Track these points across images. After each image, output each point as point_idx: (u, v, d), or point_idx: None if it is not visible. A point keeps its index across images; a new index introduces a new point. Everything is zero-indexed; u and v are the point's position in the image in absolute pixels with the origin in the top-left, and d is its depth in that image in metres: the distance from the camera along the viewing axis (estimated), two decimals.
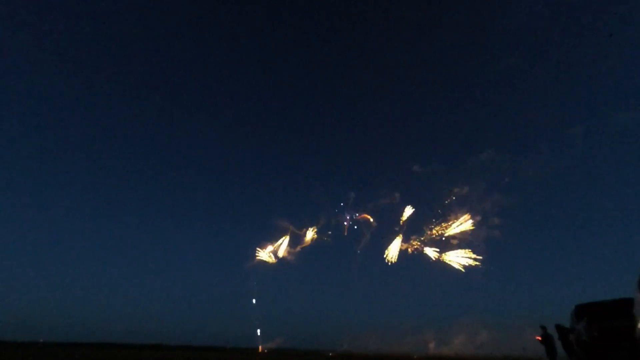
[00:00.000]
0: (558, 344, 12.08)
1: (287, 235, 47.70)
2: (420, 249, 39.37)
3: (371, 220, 45.67)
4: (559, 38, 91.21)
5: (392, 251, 40.67)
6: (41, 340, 72.73)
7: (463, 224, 37.58)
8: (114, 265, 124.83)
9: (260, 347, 56.64)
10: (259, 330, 53.92)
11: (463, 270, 36.63)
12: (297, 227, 47.67)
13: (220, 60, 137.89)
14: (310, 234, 46.84)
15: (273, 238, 48.19)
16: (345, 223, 46.24)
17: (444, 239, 38.31)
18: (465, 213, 38.11)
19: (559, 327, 11.78)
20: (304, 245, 47.08)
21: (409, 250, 39.99)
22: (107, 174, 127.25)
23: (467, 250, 36.89)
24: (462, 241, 37.19)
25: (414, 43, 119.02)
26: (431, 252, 38.88)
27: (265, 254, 47.37)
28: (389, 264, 40.58)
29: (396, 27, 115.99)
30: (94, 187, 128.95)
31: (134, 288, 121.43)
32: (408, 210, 41.64)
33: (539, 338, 12.75)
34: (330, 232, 47.16)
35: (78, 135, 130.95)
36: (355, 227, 46.55)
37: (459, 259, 36.95)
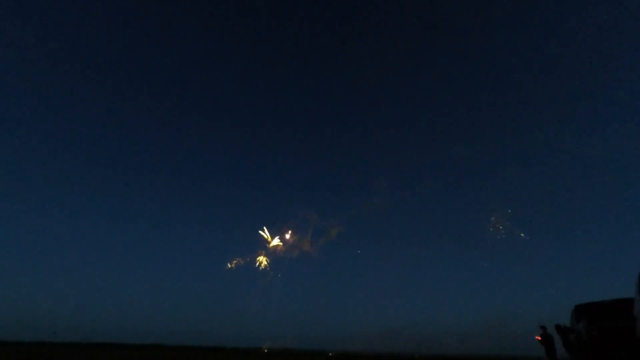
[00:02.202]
0: (558, 344, 12.08)
1: (288, 235, 46.92)
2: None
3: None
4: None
5: None
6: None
7: None
8: (115, 266, 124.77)
9: (263, 348, 56.46)
10: (264, 347, 53.69)
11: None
12: (322, 219, 46.82)
13: (211, 59, 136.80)
14: (333, 230, 45.77)
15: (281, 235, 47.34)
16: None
17: None
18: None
19: (558, 327, 11.77)
20: (330, 238, 46.20)
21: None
22: (110, 175, 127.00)
23: None
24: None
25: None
26: None
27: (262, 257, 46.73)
28: None
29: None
30: (96, 189, 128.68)
31: (134, 288, 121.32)
32: None
33: (539, 338, 12.76)
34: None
35: (74, 138, 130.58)
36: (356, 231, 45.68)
37: None
